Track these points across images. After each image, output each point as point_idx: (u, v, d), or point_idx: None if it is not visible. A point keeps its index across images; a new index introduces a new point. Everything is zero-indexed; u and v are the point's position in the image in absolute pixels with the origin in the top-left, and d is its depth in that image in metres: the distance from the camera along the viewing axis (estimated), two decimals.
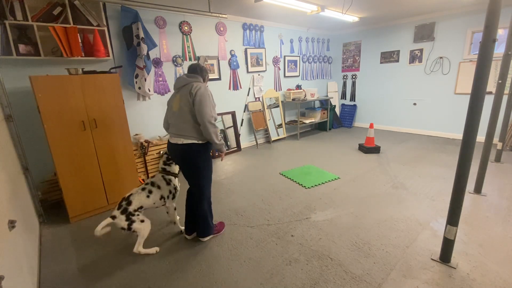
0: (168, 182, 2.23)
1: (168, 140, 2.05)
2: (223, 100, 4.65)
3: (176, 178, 2.31)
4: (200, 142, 1.95)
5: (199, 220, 2.14)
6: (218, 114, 4.63)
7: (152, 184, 2.17)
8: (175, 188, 2.28)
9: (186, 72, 2.09)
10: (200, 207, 2.10)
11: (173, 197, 2.29)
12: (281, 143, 5.34)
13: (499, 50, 3.99)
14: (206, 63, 4.21)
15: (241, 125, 5.02)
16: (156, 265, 1.97)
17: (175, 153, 2.01)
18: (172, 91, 3.89)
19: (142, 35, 3.27)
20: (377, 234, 2.21)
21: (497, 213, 2.44)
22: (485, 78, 1.55)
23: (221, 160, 2.16)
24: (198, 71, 2.03)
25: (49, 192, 2.97)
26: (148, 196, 2.11)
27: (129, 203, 2.04)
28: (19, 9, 2.48)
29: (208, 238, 2.24)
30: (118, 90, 2.73)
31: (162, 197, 2.20)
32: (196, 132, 1.92)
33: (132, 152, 2.94)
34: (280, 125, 5.65)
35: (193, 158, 1.95)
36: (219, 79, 4.50)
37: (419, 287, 1.66)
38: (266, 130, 5.33)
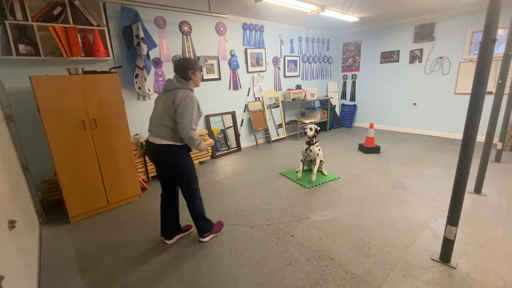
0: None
1: (147, 138, 1.99)
2: (223, 100, 4.65)
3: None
4: (178, 144, 1.91)
5: (197, 220, 2.14)
6: (218, 114, 4.64)
7: None
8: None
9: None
10: (194, 206, 2.10)
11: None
12: (281, 143, 5.35)
13: (499, 50, 3.99)
14: (206, 63, 4.22)
15: (241, 125, 5.02)
16: (156, 265, 1.97)
17: (153, 152, 1.95)
18: None
19: (142, 35, 3.27)
20: (377, 234, 2.21)
21: (497, 213, 2.44)
22: (485, 78, 1.55)
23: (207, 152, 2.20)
24: (183, 71, 1.91)
25: (49, 192, 2.97)
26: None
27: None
28: (19, 9, 2.49)
29: (209, 238, 2.23)
30: (118, 90, 2.73)
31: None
32: (174, 135, 1.89)
33: (132, 152, 2.94)
34: (280, 125, 5.65)
35: (170, 159, 1.92)
36: (219, 79, 4.50)
37: (419, 287, 1.66)
38: (266, 130, 5.33)
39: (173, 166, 1.95)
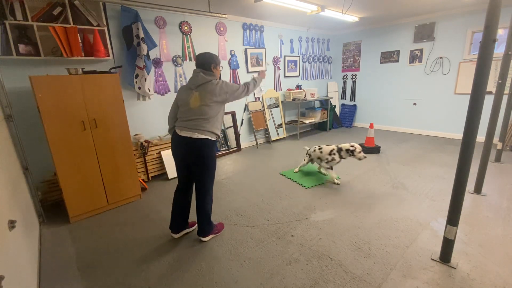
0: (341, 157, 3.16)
1: (175, 133, 2.04)
2: None
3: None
4: (212, 139, 2.02)
5: (202, 219, 2.16)
6: None
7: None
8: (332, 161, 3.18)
9: (195, 66, 2.09)
10: (204, 204, 2.12)
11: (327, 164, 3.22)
12: (281, 143, 5.34)
13: (499, 50, 3.99)
14: None
15: (241, 125, 5.02)
16: (156, 265, 1.98)
17: (185, 146, 2.00)
18: (172, 91, 3.92)
19: (142, 35, 3.27)
20: (377, 234, 2.21)
21: (497, 213, 2.44)
22: (485, 78, 1.55)
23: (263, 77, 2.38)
24: (205, 65, 2.03)
25: (49, 192, 2.97)
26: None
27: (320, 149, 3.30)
28: (19, 9, 2.48)
29: (209, 238, 2.24)
30: (118, 90, 2.73)
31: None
32: (212, 129, 2.00)
33: (132, 152, 2.94)
34: (280, 125, 5.65)
35: (203, 153, 1.99)
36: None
37: (419, 287, 1.66)
38: (266, 130, 5.33)
39: (204, 159, 2.01)
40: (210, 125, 1.98)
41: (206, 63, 2.03)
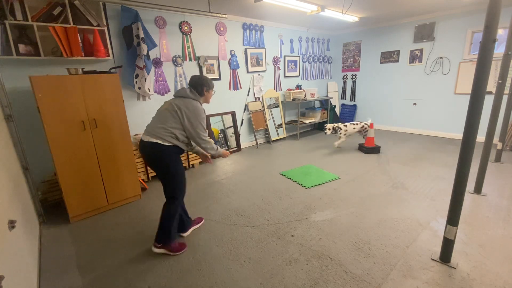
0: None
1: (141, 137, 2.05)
2: (223, 100, 4.65)
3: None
4: (165, 144, 1.93)
5: (161, 225, 2.02)
6: (218, 114, 4.65)
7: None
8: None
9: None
10: (168, 211, 2.01)
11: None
12: (281, 143, 5.34)
13: (499, 50, 3.99)
14: (206, 63, 4.21)
15: (241, 125, 5.02)
16: (156, 265, 1.97)
17: (143, 149, 2.01)
18: (172, 91, 3.93)
19: (142, 35, 3.27)
20: (377, 234, 2.21)
21: (497, 213, 2.44)
22: (485, 78, 1.55)
23: (224, 157, 2.29)
24: (198, 87, 2.06)
25: (49, 192, 2.97)
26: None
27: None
28: (19, 9, 2.49)
29: (159, 251, 2.05)
30: (118, 90, 2.73)
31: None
32: (165, 135, 1.93)
33: (132, 152, 2.94)
34: (280, 125, 5.65)
35: (155, 157, 1.97)
36: (219, 79, 4.50)
37: (419, 287, 1.66)
38: (266, 130, 5.33)
39: (156, 163, 1.99)
40: (166, 133, 1.92)
41: (198, 85, 2.06)
